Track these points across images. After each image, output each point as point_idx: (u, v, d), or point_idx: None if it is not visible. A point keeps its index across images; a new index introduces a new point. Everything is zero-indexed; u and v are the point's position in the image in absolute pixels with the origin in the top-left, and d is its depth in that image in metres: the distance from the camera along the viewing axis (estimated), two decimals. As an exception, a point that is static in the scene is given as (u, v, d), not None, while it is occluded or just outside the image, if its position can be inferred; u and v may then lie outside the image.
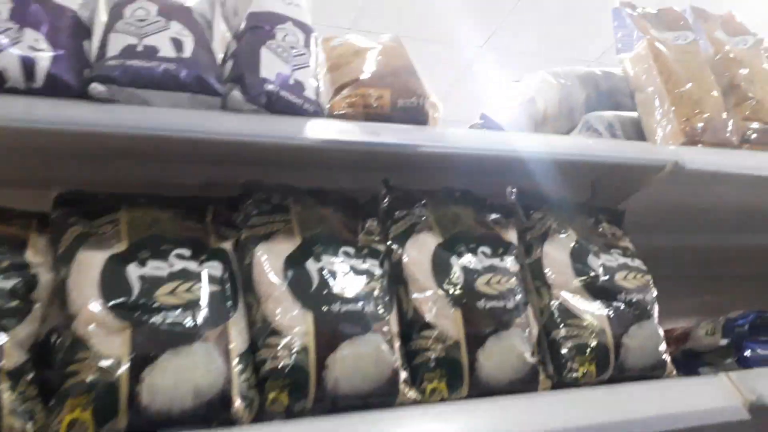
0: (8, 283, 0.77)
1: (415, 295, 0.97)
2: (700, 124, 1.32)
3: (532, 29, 4.19)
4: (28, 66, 0.84)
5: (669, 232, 1.58)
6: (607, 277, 1.07)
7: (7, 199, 0.89)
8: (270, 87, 0.96)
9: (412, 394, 0.88)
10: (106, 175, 1.02)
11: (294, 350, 0.82)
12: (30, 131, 0.84)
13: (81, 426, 0.70)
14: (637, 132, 1.42)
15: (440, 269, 0.98)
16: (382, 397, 0.86)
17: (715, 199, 1.47)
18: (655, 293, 1.10)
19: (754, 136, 1.38)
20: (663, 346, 1.05)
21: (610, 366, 1.00)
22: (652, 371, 1.04)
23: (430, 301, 0.96)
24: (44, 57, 0.85)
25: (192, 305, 0.80)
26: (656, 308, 1.08)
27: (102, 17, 1.03)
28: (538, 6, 3.93)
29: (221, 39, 1.19)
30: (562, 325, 1.02)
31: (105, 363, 0.73)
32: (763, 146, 1.37)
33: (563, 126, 1.50)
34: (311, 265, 0.91)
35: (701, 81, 1.39)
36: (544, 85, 1.51)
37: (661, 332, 1.06)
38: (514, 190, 1.16)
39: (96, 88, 0.87)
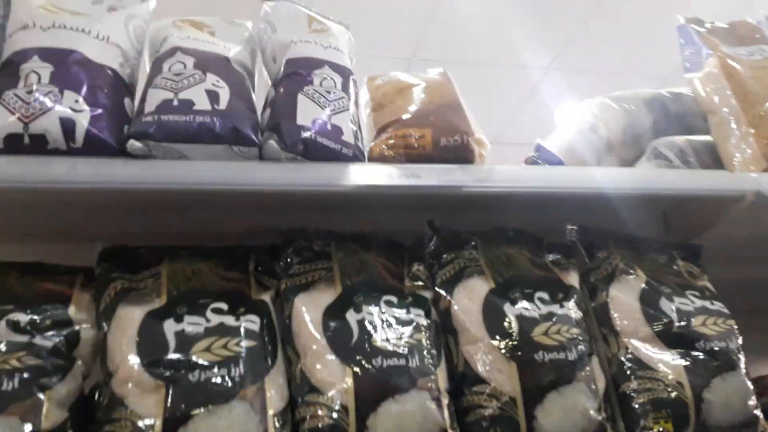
0: (50, 342, 0.78)
1: (465, 347, 0.91)
2: (784, 146, 1.19)
3: (598, 48, 4.06)
4: (67, 127, 0.85)
5: (750, 263, 1.43)
6: (683, 323, 0.96)
7: (54, 253, 0.91)
8: (307, 134, 0.94)
9: (463, 458, 0.81)
10: (148, 226, 1.03)
11: (333, 409, 0.78)
12: (72, 191, 0.86)
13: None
14: (713, 157, 1.30)
15: (493, 318, 0.91)
16: (429, 460, 0.79)
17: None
18: (740, 340, 0.97)
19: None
20: (753, 401, 0.93)
21: (691, 424, 0.89)
22: (742, 429, 0.91)
23: (482, 353, 0.89)
24: (83, 117, 0.87)
25: (228, 362, 0.77)
26: (742, 357, 0.96)
27: (145, 74, 1.06)
28: (603, 25, 3.81)
29: (265, 88, 1.19)
30: (632, 377, 0.92)
31: (140, 423, 0.71)
32: None
33: (630, 153, 1.40)
34: (351, 317, 0.87)
35: (782, 98, 1.27)
36: (605, 111, 1.42)
37: (750, 384, 0.93)
38: (575, 227, 1.08)
39: (133, 144, 0.87)
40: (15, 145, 0.84)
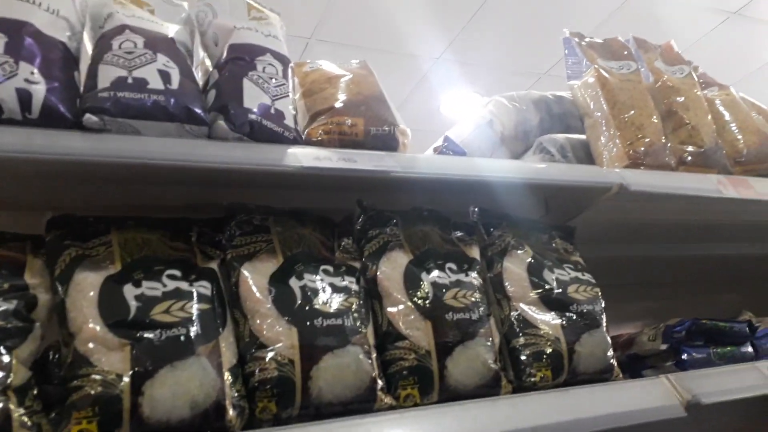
0: (10, 305, 0.82)
1: (389, 309, 1.05)
2: (642, 148, 1.45)
3: (487, 42, 4.35)
4: (24, 98, 0.88)
5: (615, 243, 1.72)
6: (560, 290, 1.18)
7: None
8: (253, 117, 1.03)
9: (388, 400, 0.96)
10: (94, 198, 1.07)
11: (281, 362, 0.89)
12: (27, 160, 0.89)
13: (87, 437, 0.75)
14: (586, 153, 1.55)
15: (412, 284, 1.07)
16: (361, 403, 0.93)
17: (656, 215, 1.62)
18: (603, 304, 1.21)
19: (689, 158, 1.53)
20: (611, 352, 1.17)
21: (564, 371, 1.11)
22: (602, 375, 1.15)
23: (403, 314, 1.04)
24: (39, 89, 0.90)
25: (186, 322, 0.86)
26: (605, 318, 1.19)
27: (88, 48, 1.08)
28: (493, 20, 4.09)
29: (201, 67, 1.25)
30: (521, 334, 1.12)
31: (108, 378, 0.78)
32: (698, 168, 1.52)
33: (519, 147, 1.62)
34: (294, 283, 0.99)
35: (643, 108, 1.53)
36: (501, 109, 1.62)
37: (609, 340, 1.17)
38: (476, 209, 1.26)
39: (90, 118, 0.92)
40: (-32, 113, 0.85)
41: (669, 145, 1.52)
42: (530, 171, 1.27)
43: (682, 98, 1.62)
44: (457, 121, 1.72)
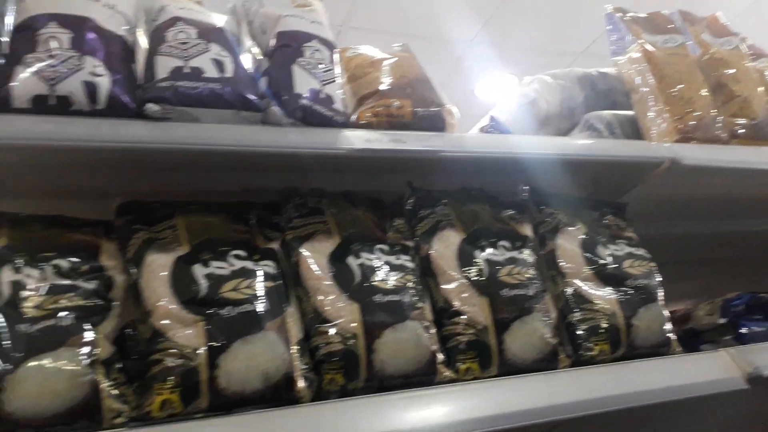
0: (91, 285, 0.86)
1: (444, 286, 1.07)
2: (692, 122, 1.43)
3: (521, 23, 4.30)
4: (90, 90, 0.92)
5: (667, 221, 1.69)
6: (615, 265, 1.17)
7: (66, 210, 0.98)
8: (304, 102, 1.06)
9: (448, 373, 0.98)
10: (156, 185, 1.11)
11: (345, 337, 0.92)
12: (95, 149, 0.93)
13: (170, 405, 0.79)
14: (634, 129, 1.53)
15: (466, 262, 1.08)
16: (422, 376, 0.96)
17: (706, 190, 1.59)
18: (659, 278, 1.20)
19: (741, 131, 1.50)
20: (668, 326, 1.16)
21: (622, 345, 1.11)
22: (659, 348, 1.14)
23: (459, 291, 1.06)
24: (104, 81, 0.94)
25: (254, 299, 0.90)
26: (661, 292, 1.18)
27: (142, 41, 1.12)
28: (525, 2, 4.04)
29: (249, 55, 1.28)
30: (576, 309, 1.12)
31: (184, 352, 0.82)
32: (750, 141, 1.49)
33: (565, 125, 1.61)
34: (352, 261, 1.01)
35: (691, 81, 1.51)
36: (545, 87, 1.62)
37: (667, 313, 1.17)
38: (526, 187, 1.26)
39: (151, 107, 0.95)
40: (41, 105, 0.90)
41: (719, 118, 1.49)
42: (579, 148, 1.27)
43: (732, 70, 1.58)
44: (492, 104, 1.72)
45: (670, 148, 1.32)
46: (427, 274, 1.10)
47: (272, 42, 1.15)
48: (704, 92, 1.50)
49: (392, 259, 1.05)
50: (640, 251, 1.23)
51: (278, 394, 0.85)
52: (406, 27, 4.18)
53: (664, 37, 1.59)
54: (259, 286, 0.92)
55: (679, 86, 1.48)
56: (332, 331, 0.93)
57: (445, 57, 4.65)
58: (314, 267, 0.99)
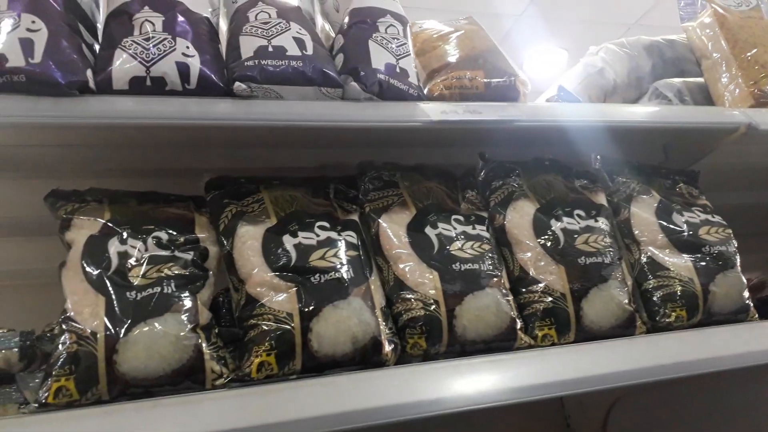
0: (188, 255, 0.92)
1: (519, 255, 1.09)
2: (768, 87, 1.39)
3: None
4: (183, 71, 0.97)
5: (737, 191, 1.65)
6: (691, 232, 1.16)
7: (157, 187, 1.04)
8: (381, 76, 1.08)
9: (527, 339, 1.00)
10: (236, 161, 1.16)
11: (426, 303, 0.95)
12: (185, 127, 0.98)
13: (267, 367, 0.84)
14: (705, 97, 1.50)
15: (541, 231, 1.10)
16: (502, 342, 0.98)
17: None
18: (735, 244, 1.18)
19: (818, 95, 1.44)
20: (746, 293, 1.15)
21: (699, 311, 1.10)
22: (737, 315, 1.13)
23: (535, 260, 1.07)
24: (195, 62, 0.98)
25: (340, 267, 0.94)
26: (738, 259, 1.17)
27: (223, 22, 1.17)
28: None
29: (322, 34, 1.31)
30: (652, 276, 1.12)
31: (279, 316, 0.87)
32: (827, 104, 1.44)
33: (632, 95, 1.58)
34: (429, 231, 1.04)
35: (766, 45, 1.46)
36: (611, 56, 1.59)
37: (744, 280, 1.15)
38: (599, 156, 1.26)
39: (239, 86, 0.99)
40: (138, 86, 0.95)
41: (797, 82, 1.44)
42: (651, 114, 1.26)
43: (809, 32, 1.52)
44: (542, 79, 1.70)
45: (745, 113, 1.29)
46: (502, 243, 1.11)
47: (346, 19, 1.18)
48: (780, 56, 1.45)
49: (468, 229, 1.07)
50: (716, 218, 1.22)
51: (366, 357, 0.89)
52: (454, 3, 4.13)
53: (737, 0, 1.54)
54: (343, 255, 0.96)
55: (753, 50, 1.44)
56: (414, 297, 0.96)
57: (494, 32, 4.58)
58: (393, 237, 1.03)
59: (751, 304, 1.15)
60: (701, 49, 1.51)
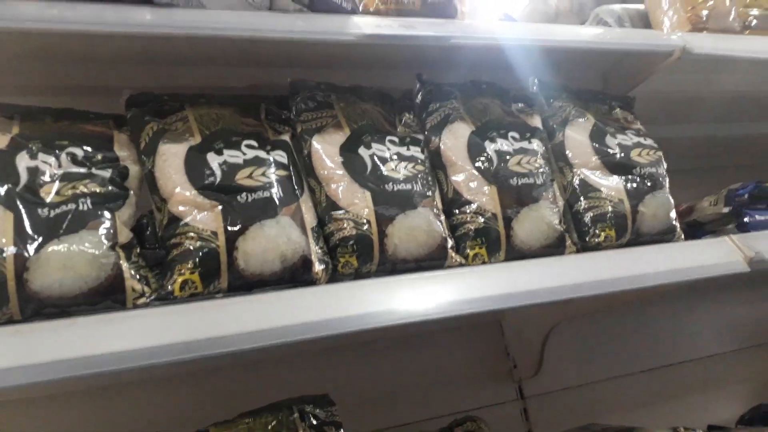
0: (106, 173, 0.87)
1: (453, 177, 1.08)
2: (705, 12, 1.40)
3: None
4: (95, -26, 0.90)
5: (673, 124, 1.68)
6: (623, 154, 1.18)
7: (75, 106, 0.97)
8: (312, -13, 1.03)
9: (458, 258, 1.01)
10: (160, 81, 1.10)
11: (358, 222, 0.94)
12: (99, 35, 0.91)
13: (191, 285, 0.82)
14: (645, 24, 1.50)
15: (475, 153, 1.09)
16: (433, 261, 0.98)
17: (717, 87, 1.57)
18: (665, 166, 1.21)
19: (754, 22, 1.47)
20: (674, 213, 1.18)
21: (628, 231, 1.13)
22: (664, 236, 1.17)
23: (468, 181, 1.07)
24: (107, -34, 0.91)
25: (268, 186, 0.91)
26: (667, 180, 1.20)
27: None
28: None
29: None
30: (582, 198, 1.14)
31: (203, 234, 0.84)
32: (764, 31, 1.46)
33: (574, 21, 1.57)
34: (363, 152, 1.02)
35: (707, -30, 1.46)
36: (555, -17, 1.57)
37: (672, 201, 1.18)
38: (536, 80, 1.25)
39: (157, -7, 0.93)
40: (44, -10, 0.87)
41: (733, 8, 1.45)
42: (589, 35, 1.24)
43: (749, -41, 1.53)
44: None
45: (681, 38, 1.30)
46: (437, 166, 1.10)
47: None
48: (719, -18, 1.45)
49: (402, 150, 1.05)
50: (648, 141, 1.24)
51: (296, 276, 0.88)
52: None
53: (680, -76, 1.52)
54: (272, 174, 0.93)
55: (694, -24, 1.43)
56: (345, 217, 0.95)
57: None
58: (325, 158, 1.00)
59: (678, 226, 1.19)
60: (643, -25, 1.50)
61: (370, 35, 1.02)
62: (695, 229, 1.37)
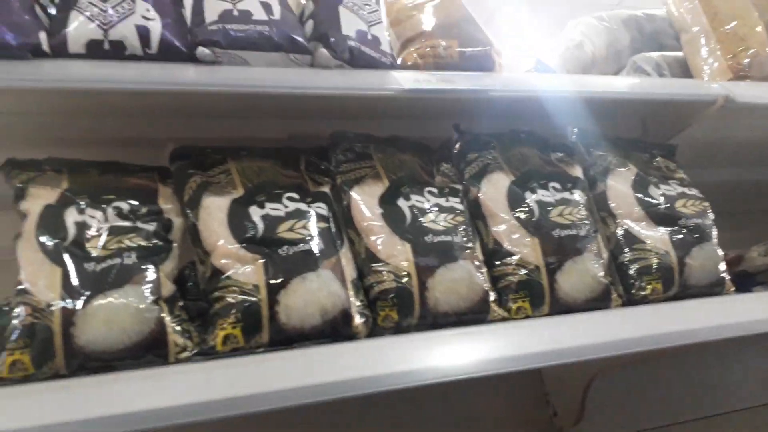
0: (151, 226, 0.88)
1: (494, 228, 1.06)
2: (747, 60, 1.38)
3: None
4: (143, 34, 0.93)
5: (716, 168, 1.65)
6: (667, 205, 1.15)
7: (120, 158, 1.00)
8: (352, 43, 1.05)
9: (501, 311, 0.99)
10: (204, 132, 1.12)
11: (398, 275, 0.93)
12: (146, 92, 0.94)
13: (233, 340, 0.81)
14: (684, 71, 1.48)
15: (516, 204, 1.07)
16: (475, 314, 0.96)
17: (761, 133, 1.54)
18: (712, 217, 1.18)
19: (797, 68, 1.44)
20: (722, 266, 1.14)
21: (675, 284, 1.09)
22: (713, 288, 1.13)
23: (509, 232, 1.05)
24: (156, 25, 0.94)
25: (309, 239, 0.91)
26: (715, 232, 1.16)
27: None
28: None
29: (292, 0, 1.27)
30: (627, 249, 1.11)
31: (245, 288, 0.84)
32: (807, 77, 1.43)
33: (611, 69, 1.56)
34: (402, 203, 1.01)
35: (745, 18, 1.45)
36: (590, 30, 1.57)
37: (721, 253, 1.14)
38: (576, 129, 1.24)
39: (203, 51, 0.96)
40: (95, 50, 0.91)
41: (775, 55, 1.43)
42: (629, 86, 1.24)
43: (788, 5, 1.51)
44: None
45: (723, 86, 1.28)
46: (476, 217, 1.09)
47: (316, -16, 1.14)
48: (759, 29, 1.44)
49: (441, 201, 1.05)
50: (693, 191, 1.21)
51: (336, 329, 0.87)
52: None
53: (717, -27, 1.52)
54: (313, 227, 0.93)
55: (732, 23, 1.42)
56: (385, 269, 0.94)
57: (479, 12, 4.54)
58: (365, 209, 1.00)
59: (727, 278, 1.14)
60: (680, 23, 1.49)
61: (409, 90, 1.03)
62: (745, 280, 1.32)
